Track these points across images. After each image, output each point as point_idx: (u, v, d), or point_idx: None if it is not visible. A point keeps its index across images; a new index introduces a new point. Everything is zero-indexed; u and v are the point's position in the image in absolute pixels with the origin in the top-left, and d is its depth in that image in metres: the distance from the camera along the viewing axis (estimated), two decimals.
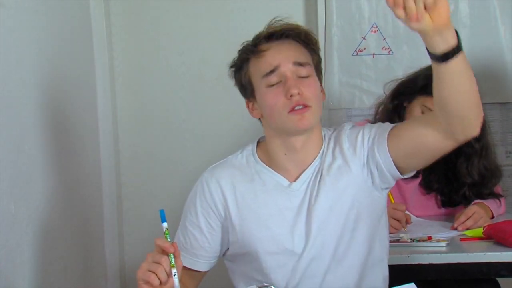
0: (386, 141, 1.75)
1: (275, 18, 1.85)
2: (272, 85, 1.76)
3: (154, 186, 3.34)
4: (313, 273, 1.79)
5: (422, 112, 2.47)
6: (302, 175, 1.81)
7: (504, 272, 2.21)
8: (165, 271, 1.56)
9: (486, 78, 3.05)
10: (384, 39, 3.19)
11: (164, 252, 1.58)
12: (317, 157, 1.83)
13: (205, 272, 1.90)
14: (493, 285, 2.52)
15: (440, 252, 2.17)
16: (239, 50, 1.85)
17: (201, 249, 1.86)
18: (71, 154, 2.65)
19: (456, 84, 1.56)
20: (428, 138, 1.70)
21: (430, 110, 2.45)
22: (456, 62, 1.52)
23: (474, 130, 1.65)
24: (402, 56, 3.18)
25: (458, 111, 1.60)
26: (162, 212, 1.61)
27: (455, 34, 1.50)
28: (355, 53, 3.19)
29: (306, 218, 1.79)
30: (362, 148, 1.80)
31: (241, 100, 3.26)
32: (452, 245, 2.23)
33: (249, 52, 1.81)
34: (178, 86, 3.30)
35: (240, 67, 1.83)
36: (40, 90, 2.33)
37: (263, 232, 1.79)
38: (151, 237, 3.45)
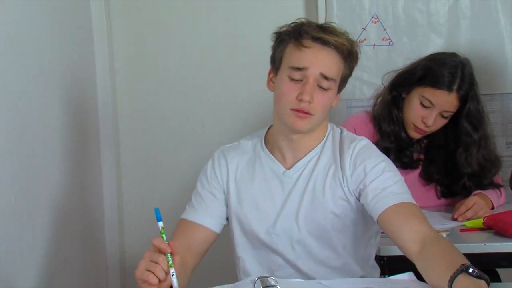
0: (376, 217, 1.79)
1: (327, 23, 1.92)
2: (292, 80, 1.82)
3: (155, 178, 3.34)
4: (295, 258, 1.88)
5: (421, 103, 2.47)
6: (297, 164, 1.91)
7: (504, 262, 2.21)
8: (163, 269, 1.57)
9: (487, 69, 3.04)
10: (385, 29, 3.18)
11: (161, 252, 1.59)
12: (315, 148, 1.92)
13: (212, 240, 1.94)
14: (492, 276, 2.53)
15: None
16: (292, 25, 1.87)
17: (212, 205, 1.95)
18: (71, 146, 2.65)
19: None
20: (404, 250, 1.73)
21: (429, 100, 2.46)
22: None
23: None
24: (403, 47, 3.17)
25: None
26: (157, 211, 1.60)
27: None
28: None
29: (293, 205, 1.89)
30: (358, 184, 1.85)
31: (242, 93, 3.28)
32: (452, 236, 2.23)
33: (293, 38, 1.84)
34: (178, 79, 3.29)
35: (280, 42, 1.88)
36: (40, 83, 2.33)
37: (254, 213, 1.91)
38: (151, 229, 3.45)
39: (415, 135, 2.55)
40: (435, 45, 3.13)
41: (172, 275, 1.57)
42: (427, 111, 2.47)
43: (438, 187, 2.65)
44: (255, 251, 1.92)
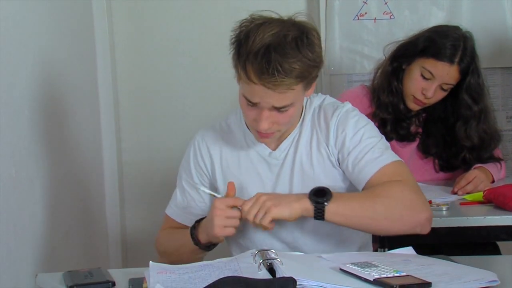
0: (359, 186, 1.80)
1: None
2: (249, 104, 1.72)
3: (155, 151, 3.35)
4: (291, 239, 1.85)
5: (421, 74, 2.47)
6: (282, 144, 1.86)
7: (503, 236, 2.21)
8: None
9: (488, 43, 3.04)
10: (386, 3, 3.16)
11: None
12: (297, 126, 1.86)
13: None
14: (492, 249, 2.54)
15: (440, 217, 2.16)
16: (241, 38, 1.68)
17: (197, 208, 1.93)
18: (71, 118, 2.65)
19: (355, 226, 1.75)
20: None
21: (429, 72, 2.45)
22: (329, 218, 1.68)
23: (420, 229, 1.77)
24: (404, 21, 3.16)
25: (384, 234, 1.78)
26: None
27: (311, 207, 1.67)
28: (356, 18, 3.17)
29: (284, 187, 1.84)
30: (338, 153, 1.83)
31: None
32: (452, 210, 2.23)
33: (240, 65, 1.68)
34: (178, 55, 3.30)
35: (233, 55, 1.71)
36: (38, 56, 2.32)
37: (243, 197, 1.79)
38: (151, 202, 3.47)
39: (414, 106, 2.54)
40: (436, 18, 3.12)
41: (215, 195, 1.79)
42: (428, 83, 2.47)
43: (436, 161, 2.64)
44: (249, 238, 1.87)
